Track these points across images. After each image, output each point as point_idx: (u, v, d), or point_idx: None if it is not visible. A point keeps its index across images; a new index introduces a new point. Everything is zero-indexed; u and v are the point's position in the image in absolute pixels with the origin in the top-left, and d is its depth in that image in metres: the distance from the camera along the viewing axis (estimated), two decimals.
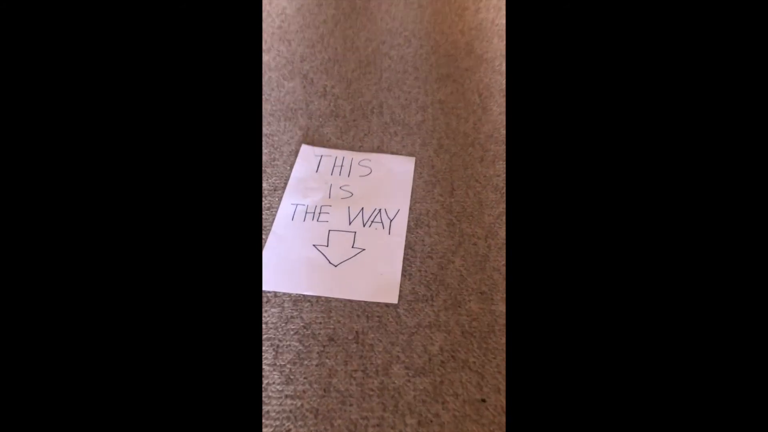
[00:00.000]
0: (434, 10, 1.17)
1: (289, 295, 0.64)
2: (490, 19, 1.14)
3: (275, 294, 0.64)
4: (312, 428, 0.52)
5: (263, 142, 0.84)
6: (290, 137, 0.85)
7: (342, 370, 0.57)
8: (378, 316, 0.61)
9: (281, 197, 0.75)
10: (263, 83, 0.96)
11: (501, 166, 0.79)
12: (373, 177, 0.79)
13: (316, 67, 1.00)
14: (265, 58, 1.02)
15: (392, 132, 0.86)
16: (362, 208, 0.74)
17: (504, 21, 1.12)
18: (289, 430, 0.52)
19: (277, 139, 0.85)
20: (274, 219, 0.73)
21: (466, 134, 0.85)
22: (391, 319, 0.61)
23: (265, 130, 0.86)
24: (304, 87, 0.95)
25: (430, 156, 0.81)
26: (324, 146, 0.83)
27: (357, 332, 0.60)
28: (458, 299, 0.63)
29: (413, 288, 0.64)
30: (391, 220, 0.72)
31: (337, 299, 0.63)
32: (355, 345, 0.59)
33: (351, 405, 0.54)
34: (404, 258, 0.67)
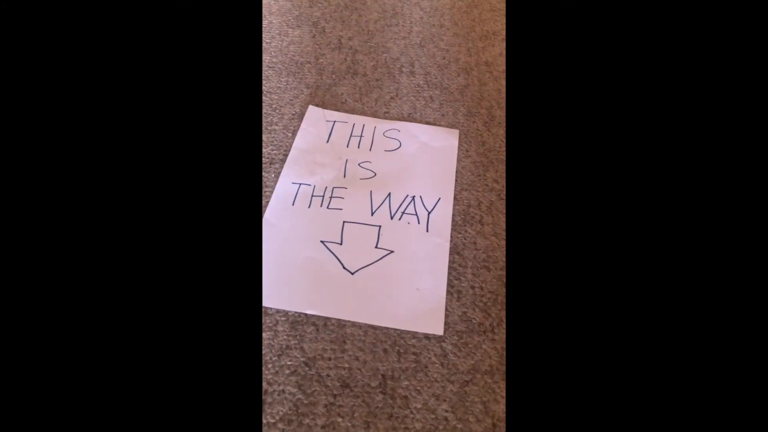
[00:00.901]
0: None
1: (285, 313, 0.44)
2: None
3: (265, 311, 0.44)
4: None
5: (263, 102, 0.63)
6: (294, 96, 0.64)
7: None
8: (415, 353, 0.42)
9: (278, 173, 0.55)
10: (262, 29, 0.75)
11: None
12: (403, 152, 0.59)
13: (329, 14, 0.79)
14: None
15: (427, 97, 0.66)
16: (389, 194, 0.54)
17: None
18: None
19: (276, 98, 0.64)
20: (267, 203, 0.52)
21: None
22: (434, 359, 0.42)
23: (262, 86, 0.66)
24: (314, 37, 0.74)
25: (479, 129, 0.61)
26: (338, 110, 0.63)
27: (384, 376, 0.41)
28: None
29: (465, 312, 0.45)
30: (429, 213, 0.52)
31: (354, 323, 0.44)
32: (381, 396, 0.40)
33: None
34: (450, 267, 0.48)
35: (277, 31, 0.75)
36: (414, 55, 0.72)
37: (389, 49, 0.73)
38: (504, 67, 0.71)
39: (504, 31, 0.78)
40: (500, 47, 0.75)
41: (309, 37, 0.74)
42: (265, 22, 0.76)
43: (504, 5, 0.84)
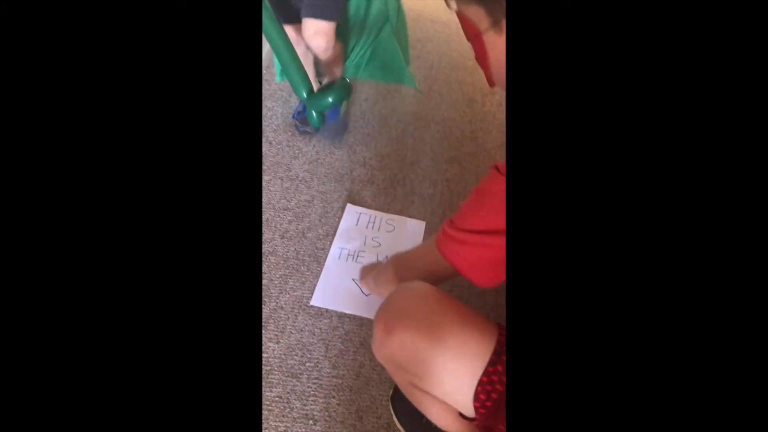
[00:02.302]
0: (450, 99, 1.52)
1: (336, 312, 0.97)
2: (492, 112, 1.49)
3: (326, 310, 0.97)
4: (348, 398, 0.85)
5: (319, 198, 1.18)
6: (338, 196, 1.19)
7: (368, 364, 0.90)
8: None
9: (332, 242, 1.09)
10: (317, 149, 1.30)
11: None
12: (395, 233, 1.13)
13: (359, 140, 1.34)
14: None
15: (410, 200, 1.20)
16: (386, 256, 1.08)
17: (504, 116, 1.46)
18: (333, 397, 0.85)
19: (328, 197, 1.19)
20: (326, 257, 1.06)
21: None
22: None
23: (319, 188, 1.20)
24: (350, 156, 1.29)
25: (436, 223, 1.16)
26: (362, 206, 1.18)
27: None
28: None
29: None
30: None
31: (367, 318, 0.97)
32: None
33: (372, 386, 0.87)
34: None
35: (327, 150, 1.30)
36: (406, 172, 1.27)
37: (392, 168, 1.28)
38: (457, 183, 1.25)
39: (461, 157, 1.33)
40: (457, 169, 1.30)
41: (346, 156, 1.29)
42: (320, 143, 1.31)
43: (464, 138, 1.39)
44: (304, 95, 1.17)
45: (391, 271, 0.82)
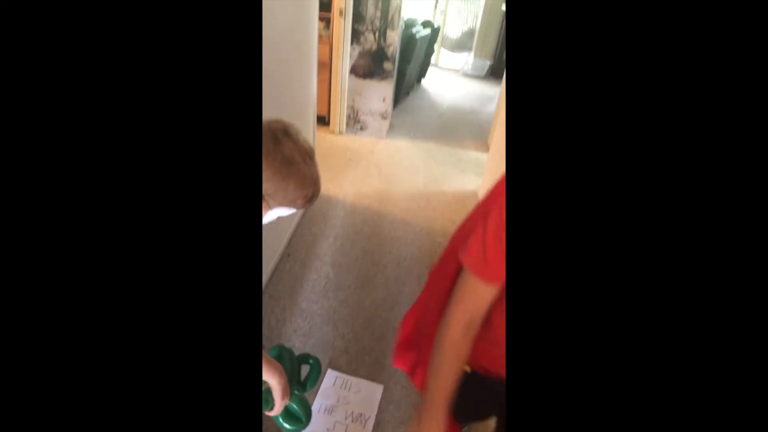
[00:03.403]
0: (410, 288, 2.06)
1: None
2: None
3: None
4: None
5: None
6: (324, 362, 1.64)
7: None
8: None
9: (315, 400, 1.51)
10: (310, 324, 1.78)
11: None
12: (361, 393, 1.56)
13: (342, 318, 1.84)
14: (314, 307, 1.87)
15: (371, 367, 1.65)
16: (353, 411, 1.49)
17: None
18: None
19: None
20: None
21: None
22: None
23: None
24: (333, 331, 1.78)
25: (392, 386, 1.59)
26: (339, 371, 1.62)
27: None
28: None
29: None
30: (365, 421, 1.47)
31: None
32: None
33: None
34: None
35: (318, 326, 1.78)
36: (375, 346, 1.74)
37: (364, 344, 1.75)
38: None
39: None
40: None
41: (332, 331, 1.77)
42: (314, 321, 1.81)
43: None
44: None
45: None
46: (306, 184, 0.73)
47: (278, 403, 0.83)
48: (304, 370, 1.03)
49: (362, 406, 1.52)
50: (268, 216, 0.76)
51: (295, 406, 0.88)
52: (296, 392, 0.89)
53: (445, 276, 0.73)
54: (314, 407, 1.49)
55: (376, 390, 1.58)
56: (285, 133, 0.72)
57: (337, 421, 1.46)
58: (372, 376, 1.62)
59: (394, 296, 2.00)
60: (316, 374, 1.03)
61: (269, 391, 0.82)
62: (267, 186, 0.70)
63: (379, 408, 1.51)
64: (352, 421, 1.47)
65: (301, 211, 1.83)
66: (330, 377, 1.60)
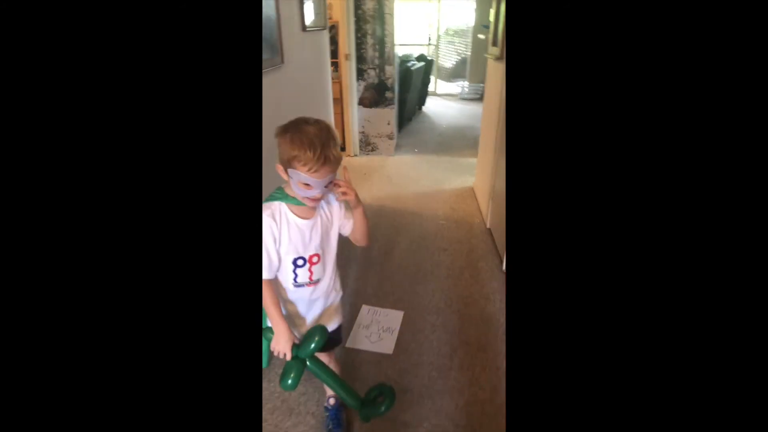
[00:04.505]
0: (420, 256, 2.67)
1: None
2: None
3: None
4: None
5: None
6: (359, 302, 2.25)
7: None
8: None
9: (354, 323, 2.12)
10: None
11: None
12: (389, 316, 2.16)
13: (371, 275, 2.46)
14: (351, 269, 2.49)
15: (392, 304, 2.25)
16: (385, 327, 2.09)
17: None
18: None
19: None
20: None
21: None
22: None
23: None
24: (366, 282, 2.39)
25: (409, 313, 2.19)
26: (371, 305, 2.23)
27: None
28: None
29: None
30: (393, 332, 2.07)
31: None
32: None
33: None
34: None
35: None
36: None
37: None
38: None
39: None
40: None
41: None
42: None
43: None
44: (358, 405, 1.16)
45: None
46: (313, 144, 0.93)
47: (275, 351, 1.09)
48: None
49: (389, 324, 2.12)
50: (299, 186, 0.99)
51: (293, 366, 1.07)
52: (300, 358, 1.09)
53: None
54: (354, 328, 2.09)
55: (399, 314, 2.18)
56: (306, 122, 0.98)
57: (372, 332, 2.06)
58: (395, 307, 2.23)
59: (408, 261, 2.62)
60: (390, 400, 1.15)
61: (271, 329, 1.10)
62: (282, 151, 0.96)
63: (401, 325, 2.12)
64: (383, 331, 2.07)
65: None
66: (365, 309, 2.21)
